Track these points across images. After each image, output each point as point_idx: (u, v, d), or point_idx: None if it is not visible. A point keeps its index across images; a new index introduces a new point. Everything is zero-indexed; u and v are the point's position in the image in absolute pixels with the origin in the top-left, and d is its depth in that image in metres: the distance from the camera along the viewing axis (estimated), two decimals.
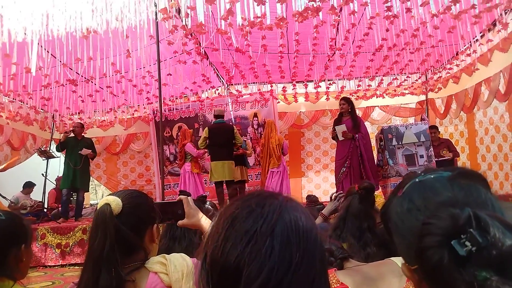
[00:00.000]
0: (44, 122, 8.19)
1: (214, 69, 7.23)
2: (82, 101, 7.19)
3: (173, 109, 8.27)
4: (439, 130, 6.83)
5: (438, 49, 6.10)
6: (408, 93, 8.13)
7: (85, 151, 6.28)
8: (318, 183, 8.85)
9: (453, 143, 6.78)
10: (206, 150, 6.53)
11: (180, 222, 1.24)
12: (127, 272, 1.08)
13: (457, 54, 6.37)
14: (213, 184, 6.29)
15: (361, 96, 8.12)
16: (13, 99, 6.97)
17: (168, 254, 1.19)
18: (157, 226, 1.21)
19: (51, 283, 4.43)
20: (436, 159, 5.86)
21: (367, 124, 7.23)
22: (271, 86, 7.84)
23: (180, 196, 1.27)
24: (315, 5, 3.76)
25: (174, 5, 3.81)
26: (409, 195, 0.61)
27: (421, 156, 5.73)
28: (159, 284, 1.09)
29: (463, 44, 5.76)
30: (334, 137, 5.79)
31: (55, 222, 6.03)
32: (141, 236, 1.15)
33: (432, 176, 0.61)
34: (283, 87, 7.78)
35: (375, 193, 2.06)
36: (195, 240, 1.83)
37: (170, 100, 8.04)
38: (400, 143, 5.79)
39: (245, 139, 7.21)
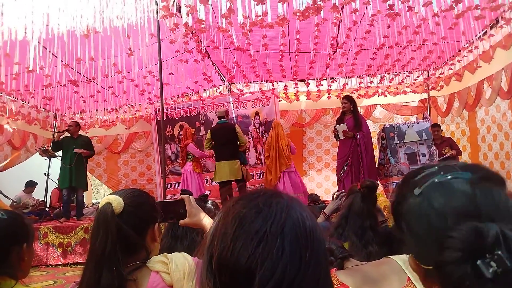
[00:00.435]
0: (45, 121, 8.19)
1: (215, 67, 7.22)
2: (84, 101, 7.19)
3: (175, 108, 8.27)
4: (441, 128, 6.81)
5: (440, 46, 6.08)
6: (410, 91, 8.11)
7: (77, 150, 6.19)
8: (320, 182, 8.84)
9: (455, 141, 6.77)
10: (210, 152, 6.58)
11: (181, 221, 1.24)
12: (129, 271, 1.08)
13: (459, 51, 6.34)
14: (215, 184, 6.32)
15: (363, 94, 8.10)
16: (15, 98, 6.98)
17: (170, 253, 1.19)
18: (158, 225, 1.21)
19: (53, 282, 4.44)
20: (438, 157, 5.85)
21: (369, 122, 7.22)
22: (272, 85, 7.84)
23: (182, 195, 1.27)
24: (316, 4, 3.74)
25: (175, 4, 3.81)
26: (428, 197, 0.59)
27: (423, 155, 5.73)
28: (160, 283, 1.09)
29: (465, 41, 5.74)
30: (336, 136, 5.79)
31: (57, 221, 6.05)
32: (143, 235, 1.15)
33: (452, 178, 0.58)
34: (285, 86, 7.77)
35: (377, 191, 2.06)
36: (197, 239, 1.83)
37: (171, 99, 8.04)
38: (402, 141, 5.78)
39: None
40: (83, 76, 6.00)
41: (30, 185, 7.55)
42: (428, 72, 7.97)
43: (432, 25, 4.76)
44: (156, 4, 4.20)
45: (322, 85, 7.61)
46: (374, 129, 7.97)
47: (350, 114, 5.67)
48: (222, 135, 5.99)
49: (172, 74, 6.08)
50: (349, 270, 1.15)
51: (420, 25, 4.89)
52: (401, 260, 1.08)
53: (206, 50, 6.00)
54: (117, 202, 1.09)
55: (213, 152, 6.41)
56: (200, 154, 6.72)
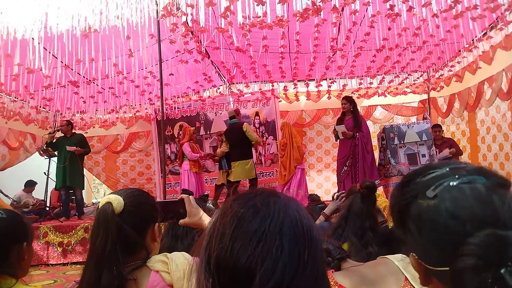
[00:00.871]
0: (44, 121, 8.17)
1: (215, 68, 7.22)
2: (84, 102, 7.19)
3: (175, 108, 8.27)
4: (442, 129, 6.81)
5: (439, 48, 6.08)
6: (410, 92, 8.12)
7: (69, 148, 6.15)
8: (320, 182, 8.83)
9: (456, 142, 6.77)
10: (200, 154, 6.67)
11: (181, 221, 1.24)
12: (129, 270, 1.08)
13: (459, 51, 6.35)
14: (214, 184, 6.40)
15: (363, 94, 8.11)
16: (15, 98, 6.96)
17: (170, 252, 1.19)
18: (158, 225, 1.21)
19: (53, 281, 4.45)
20: (438, 158, 5.86)
21: (369, 123, 7.22)
22: (272, 85, 7.84)
23: (182, 194, 1.28)
24: (315, 6, 3.75)
25: (175, 4, 3.81)
26: (443, 200, 0.58)
27: (423, 155, 5.73)
28: (160, 283, 1.10)
29: (465, 42, 5.75)
30: (335, 136, 5.80)
31: (57, 220, 6.05)
32: (143, 235, 1.15)
33: (468, 182, 0.58)
34: (284, 87, 7.77)
35: (376, 192, 2.06)
36: (197, 238, 1.83)
37: (172, 99, 8.04)
38: (402, 142, 5.78)
39: None
40: (83, 77, 6.00)
41: (30, 185, 7.55)
42: (428, 74, 7.97)
43: (431, 27, 4.76)
44: (157, 4, 4.20)
45: (321, 85, 7.61)
46: (374, 129, 7.98)
47: (350, 115, 5.68)
48: (232, 136, 6.10)
49: (173, 74, 6.09)
50: (346, 271, 1.15)
51: (420, 27, 4.89)
52: (397, 260, 1.08)
53: (206, 50, 6.00)
54: (118, 201, 1.10)
55: (203, 154, 6.47)
56: (190, 155, 6.53)
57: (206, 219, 1.23)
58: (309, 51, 5.73)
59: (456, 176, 0.59)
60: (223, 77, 7.82)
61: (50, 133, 6.52)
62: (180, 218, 1.24)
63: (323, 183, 8.81)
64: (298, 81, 7.78)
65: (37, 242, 5.37)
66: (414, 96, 8.35)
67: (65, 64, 5.40)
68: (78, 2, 4.10)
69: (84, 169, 7.06)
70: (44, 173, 6.62)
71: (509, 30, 5.08)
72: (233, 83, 8.11)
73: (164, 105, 5.78)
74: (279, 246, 0.52)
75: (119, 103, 8.09)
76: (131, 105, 8.32)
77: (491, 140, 6.57)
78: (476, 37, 5.52)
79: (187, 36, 4.91)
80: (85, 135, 6.93)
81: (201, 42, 5.46)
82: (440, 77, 7.48)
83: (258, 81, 7.68)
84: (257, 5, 3.64)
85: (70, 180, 6.18)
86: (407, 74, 7.62)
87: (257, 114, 8.24)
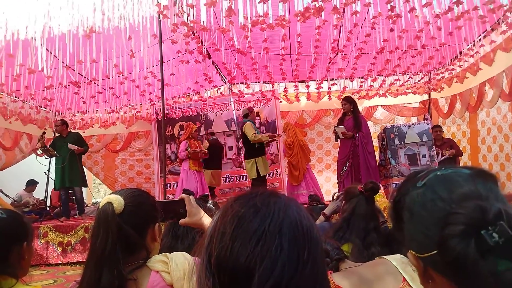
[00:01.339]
0: (44, 121, 8.15)
1: (216, 68, 7.23)
2: (84, 102, 7.18)
3: (175, 108, 8.27)
4: (442, 129, 6.81)
5: (440, 50, 6.08)
6: (410, 92, 8.12)
7: (71, 146, 6.11)
8: (321, 183, 8.78)
9: (456, 142, 6.77)
10: (186, 156, 6.42)
11: (182, 221, 1.24)
12: (129, 270, 1.08)
13: (460, 53, 6.34)
14: None
15: (364, 95, 8.11)
16: (15, 97, 6.96)
17: (170, 252, 1.19)
18: (158, 225, 1.21)
19: (53, 281, 4.45)
20: (438, 158, 5.86)
21: (370, 123, 7.22)
22: (273, 86, 7.84)
23: (182, 194, 1.28)
24: (317, 5, 3.74)
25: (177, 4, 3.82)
26: (432, 186, 0.63)
27: (424, 156, 5.73)
28: (161, 283, 1.10)
29: (466, 44, 5.74)
30: (336, 137, 5.80)
31: (57, 220, 6.05)
32: (143, 235, 1.15)
33: (453, 172, 0.64)
34: (285, 88, 7.77)
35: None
36: (197, 238, 1.83)
37: (172, 99, 8.04)
38: (402, 142, 5.78)
39: None
40: (84, 77, 6.00)
41: (31, 184, 7.55)
42: (429, 76, 7.96)
43: (433, 29, 4.75)
44: (158, 4, 4.20)
45: (322, 87, 7.61)
46: (375, 130, 7.97)
47: (351, 115, 5.69)
48: (241, 135, 6.34)
49: (173, 74, 6.09)
50: (344, 272, 1.15)
51: (421, 30, 4.86)
52: (395, 260, 1.08)
53: (207, 51, 6.00)
54: (118, 201, 1.10)
55: (188, 154, 6.33)
56: (180, 154, 6.51)
57: (206, 219, 1.23)
58: (310, 53, 5.73)
59: (443, 168, 0.66)
60: (224, 78, 7.82)
61: (39, 140, 6.35)
62: (180, 218, 1.24)
63: (323, 183, 8.79)
64: (299, 81, 7.78)
65: (37, 242, 5.37)
66: (414, 97, 8.35)
67: (67, 65, 5.40)
68: (80, 3, 4.10)
69: (85, 168, 7.04)
70: (45, 173, 6.62)
71: (509, 31, 5.08)
72: (234, 84, 8.11)
73: (165, 105, 5.79)
74: (278, 246, 0.52)
75: (120, 103, 8.09)
76: (132, 105, 8.33)
77: (491, 141, 6.57)
78: (478, 36, 5.52)
79: (188, 36, 4.91)
80: (84, 134, 6.90)
81: (202, 42, 5.46)
82: (441, 79, 7.48)
83: (258, 82, 7.69)
84: (259, 3, 3.63)
85: (69, 180, 6.17)
86: (408, 77, 7.63)
87: (257, 114, 8.24)
